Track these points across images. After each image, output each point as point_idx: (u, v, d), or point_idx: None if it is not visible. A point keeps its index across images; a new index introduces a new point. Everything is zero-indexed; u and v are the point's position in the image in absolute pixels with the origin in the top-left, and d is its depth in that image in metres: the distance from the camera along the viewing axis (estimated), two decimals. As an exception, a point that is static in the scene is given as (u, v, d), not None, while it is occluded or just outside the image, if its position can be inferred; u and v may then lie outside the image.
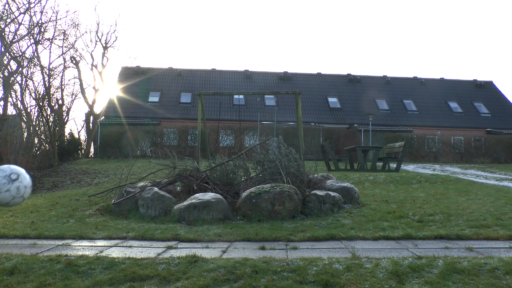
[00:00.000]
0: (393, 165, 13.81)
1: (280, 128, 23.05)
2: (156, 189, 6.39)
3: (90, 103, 34.78)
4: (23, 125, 28.22)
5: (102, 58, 35.91)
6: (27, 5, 24.40)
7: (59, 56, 42.18)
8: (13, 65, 25.84)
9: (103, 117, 28.11)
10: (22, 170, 3.07)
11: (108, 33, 57.15)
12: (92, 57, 36.69)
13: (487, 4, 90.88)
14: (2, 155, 16.78)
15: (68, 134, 30.45)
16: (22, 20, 27.15)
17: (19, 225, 5.76)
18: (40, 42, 26.51)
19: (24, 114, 27.98)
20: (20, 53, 25.74)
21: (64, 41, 29.86)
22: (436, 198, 7.41)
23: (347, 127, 27.50)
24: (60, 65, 39.52)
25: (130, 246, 4.38)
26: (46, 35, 27.16)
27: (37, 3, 25.53)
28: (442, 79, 34.71)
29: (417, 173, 12.92)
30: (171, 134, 23.00)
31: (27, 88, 27.82)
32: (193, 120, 24.88)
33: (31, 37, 25.31)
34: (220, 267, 3.31)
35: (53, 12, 48.52)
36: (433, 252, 3.84)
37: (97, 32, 59.00)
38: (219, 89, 30.22)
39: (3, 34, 22.52)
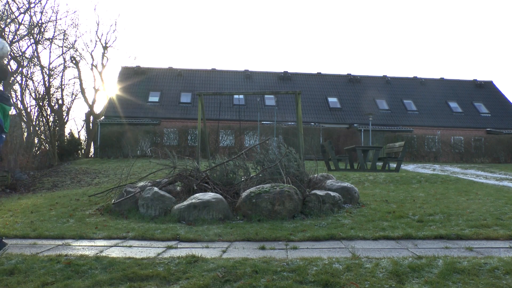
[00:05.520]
0: (393, 165, 13.81)
1: (280, 128, 23.04)
2: (156, 189, 6.39)
3: (90, 103, 34.79)
4: (23, 125, 28.22)
5: (102, 58, 35.94)
6: (27, 5, 24.39)
7: (59, 56, 42.16)
8: (13, 65, 25.83)
9: (103, 117, 28.11)
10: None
11: (108, 33, 57.41)
12: (92, 57, 36.76)
13: (487, 4, 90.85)
14: (2, 155, 16.77)
15: (68, 134, 30.47)
16: (22, 20, 27.07)
17: (19, 225, 5.76)
18: (40, 42, 26.49)
19: (24, 114, 27.99)
20: (20, 53, 25.72)
21: (64, 41, 29.86)
22: (436, 198, 7.41)
23: (347, 127, 27.49)
24: (60, 65, 39.53)
25: (130, 246, 4.37)
26: (46, 35, 27.12)
27: (37, 3, 25.51)
28: (442, 79, 34.71)
29: (417, 173, 12.91)
30: (171, 134, 22.99)
31: (27, 88, 27.87)
32: (193, 120, 24.87)
33: (31, 37, 25.29)
34: (220, 267, 3.31)
35: (53, 12, 48.47)
36: (433, 252, 3.84)
37: (97, 32, 59.22)
38: (219, 89, 30.22)
39: (3, 34, 22.49)
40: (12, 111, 27.89)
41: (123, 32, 63.24)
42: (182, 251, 4.00)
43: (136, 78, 30.58)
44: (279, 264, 3.37)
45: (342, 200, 6.46)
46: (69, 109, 34.18)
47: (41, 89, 28.20)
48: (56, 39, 28.19)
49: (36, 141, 27.65)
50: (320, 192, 6.17)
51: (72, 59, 32.14)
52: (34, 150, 25.83)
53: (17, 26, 24.09)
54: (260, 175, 7.21)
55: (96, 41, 41.38)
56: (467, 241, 4.33)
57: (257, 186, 6.14)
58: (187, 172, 7.27)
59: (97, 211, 6.65)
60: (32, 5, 24.55)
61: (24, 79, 27.12)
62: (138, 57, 68.24)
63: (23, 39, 24.81)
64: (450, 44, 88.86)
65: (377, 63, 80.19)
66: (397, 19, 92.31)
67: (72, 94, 34.23)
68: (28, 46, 40.31)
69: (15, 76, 25.56)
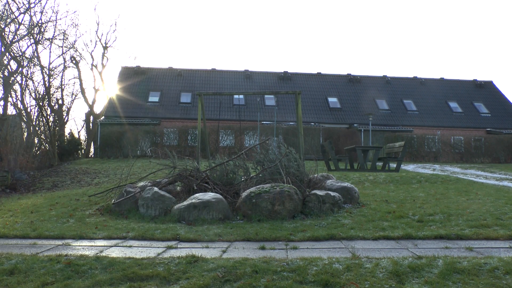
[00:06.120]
0: (393, 165, 13.80)
1: (280, 128, 23.03)
2: (156, 189, 6.39)
3: (90, 103, 34.80)
4: (23, 125, 28.22)
5: (102, 58, 35.95)
6: (27, 5, 24.37)
7: (59, 56, 42.22)
8: (13, 65, 25.83)
9: (103, 117, 28.10)
10: None
11: (108, 33, 57.50)
12: (92, 57, 36.78)
13: (487, 4, 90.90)
14: (2, 155, 16.78)
15: (68, 134, 30.47)
16: (22, 20, 27.11)
17: (19, 225, 5.76)
18: (40, 42, 26.48)
19: (24, 114, 27.98)
20: (20, 53, 25.71)
21: (64, 41, 29.85)
22: (436, 198, 7.41)
23: (347, 127, 27.49)
24: (60, 65, 39.59)
25: (130, 246, 4.38)
26: (46, 35, 27.14)
27: (37, 3, 25.53)
28: (442, 79, 34.70)
29: (417, 173, 12.91)
30: (171, 134, 22.99)
31: (27, 88, 27.83)
32: (193, 120, 24.88)
33: (31, 37, 25.28)
34: (220, 267, 3.31)
35: (53, 12, 48.54)
36: (433, 252, 3.84)
37: (97, 32, 59.33)
38: (219, 89, 30.22)
39: (3, 34, 22.49)
40: (12, 111, 27.91)
41: (123, 32, 63.33)
42: (182, 251, 4.01)
43: (136, 78, 30.57)
44: (279, 264, 3.37)
45: (342, 200, 6.46)
46: (69, 109, 34.19)
47: (41, 89, 28.22)
48: (56, 39, 28.20)
49: (36, 141, 27.66)
50: (320, 192, 6.17)
51: (72, 59, 32.17)
52: (34, 150, 25.83)
53: (17, 26, 24.08)
54: (260, 175, 7.21)
55: (96, 41, 41.43)
56: (467, 241, 4.33)
57: (257, 186, 6.14)
58: (187, 172, 7.27)
59: (97, 211, 6.65)
60: (32, 5, 24.55)
61: (24, 79, 27.12)
62: (138, 57, 68.31)
63: (23, 39, 24.79)
64: (450, 44, 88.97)
65: (377, 63, 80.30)
66: (397, 19, 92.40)
67: (72, 94, 34.25)
68: (28, 46, 40.43)
69: (15, 76, 25.55)
